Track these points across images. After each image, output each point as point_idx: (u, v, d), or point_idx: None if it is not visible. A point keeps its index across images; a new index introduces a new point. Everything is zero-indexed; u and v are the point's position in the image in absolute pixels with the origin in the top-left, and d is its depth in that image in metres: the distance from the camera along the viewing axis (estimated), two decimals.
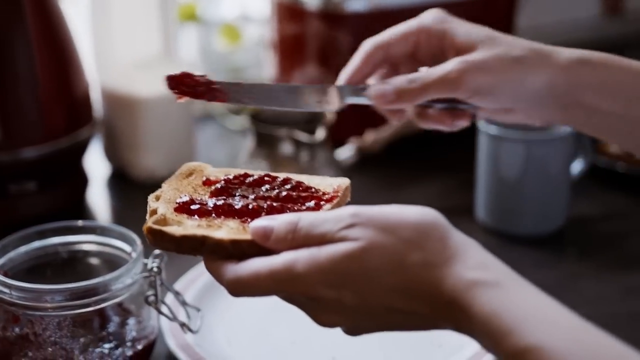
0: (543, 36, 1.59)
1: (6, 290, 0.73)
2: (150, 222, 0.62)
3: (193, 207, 0.63)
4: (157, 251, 0.77)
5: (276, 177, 0.67)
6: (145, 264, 0.77)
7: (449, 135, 1.14)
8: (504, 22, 1.30)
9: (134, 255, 0.77)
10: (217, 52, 1.45)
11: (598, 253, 0.99)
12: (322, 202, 0.64)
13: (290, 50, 1.27)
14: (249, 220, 0.61)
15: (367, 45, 0.80)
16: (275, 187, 0.66)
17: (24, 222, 0.87)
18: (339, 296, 0.57)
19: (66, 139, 1.06)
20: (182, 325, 0.79)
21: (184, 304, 0.81)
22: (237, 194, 0.65)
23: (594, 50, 0.75)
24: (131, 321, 0.78)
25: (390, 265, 0.56)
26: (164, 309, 0.77)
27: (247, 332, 0.85)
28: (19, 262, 0.80)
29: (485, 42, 0.75)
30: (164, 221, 0.62)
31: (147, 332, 0.78)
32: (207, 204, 0.63)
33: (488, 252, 0.57)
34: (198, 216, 0.62)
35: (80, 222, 0.83)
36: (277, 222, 0.59)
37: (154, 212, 0.63)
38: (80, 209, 1.11)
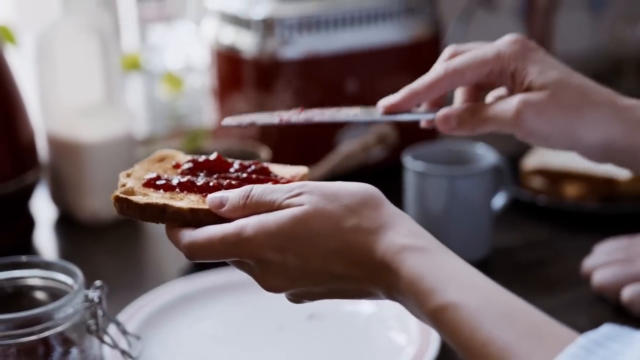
0: None
1: None
2: (118, 191, 0.68)
3: (159, 182, 0.69)
4: (97, 282, 0.81)
5: (240, 162, 0.73)
6: (87, 295, 0.81)
7: (377, 172, 1.20)
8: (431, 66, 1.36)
9: (75, 286, 0.81)
10: (160, 100, 1.50)
11: (521, 279, 1.05)
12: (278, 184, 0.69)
13: (229, 96, 1.33)
14: (208, 194, 0.67)
15: (436, 70, 0.79)
16: (238, 171, 0.71)
17: None
18: (283, 259, 0.61)
19: (12, 183, 1.10)
20: (123, 352, 0.83)
21: (124, 332, 0.85)
22: (202, 174, 0.71)
23: None
24: (74, 350, 0.81)
25: (330, 229, 0.61)
26: (105, 337, 0.81)
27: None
28: None
29: (555, 87, 0.75)
30: (131, 192, 0.68)
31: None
32: (172, 180, 0.69)
33: (417, 224, 0.62)
34: (163, 190, 0.68)
35: (24, 258, 0.87)
36: (232, 192, 0.65)
37: (124, 186, 0.69)
38: (27, 250, 1.15)
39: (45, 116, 1.20)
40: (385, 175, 1.07)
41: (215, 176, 0.71)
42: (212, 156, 0.73)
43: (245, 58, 1.26)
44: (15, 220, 1.14)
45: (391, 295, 0.61)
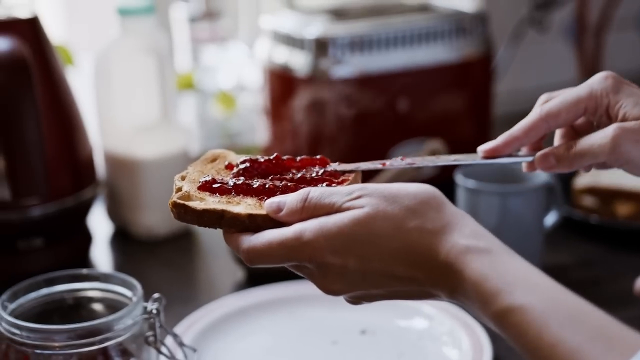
0: (521, 101, 1.68)
1: (17, 331, 0.79)
2: (175, 197, 0.68)
3: (215, 185, 0.69)
4: (156, 295, 0.83)
5: (301, 159, 0.72)
6: (145, 307, 0.83)
7: None
8: (482, 88, 1.38)
9: (134, 299, 0.83)
10: (213, 118, 1.52)
11: None
12: (333, 185, 0.69)
13: (281, 115, 1.35)
14: (265, 198, 0.66)
15: (533, 115, 0.78)
16: (297, 169, 0.71)
17: (32, 276, 0.93)
18: (344, 262, 0.61)
19: (71, 199, 1.13)
20: None
21: (181, 344, 0.86)
22: (257, 176, 0.71)
23: None
24: None
25: (392, 231, 0.61)
26: (162, 348, 0.83)
27: None
28: (28, 308, 0.86)
29: None
30: (187, 197, 0.68)
31: None
32: (227, 183, 0.69)
33: (479, 225, 0.62)
34: (219, 194, 0.68)
35: (84, 270, 0.89)
36: (289, 197, 0.65)
37: (179, 190, 0.69)
38: (84, 264, 1.18)
39: (103, 134, 1.23)
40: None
41: (270, 177, 0.70)
42: (271, 156, 0.72)
43: (298, 77, 1.28)
44: (73, 235, 1.17)
45: (454, 297, 0.61)
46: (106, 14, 1.58)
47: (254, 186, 0.69)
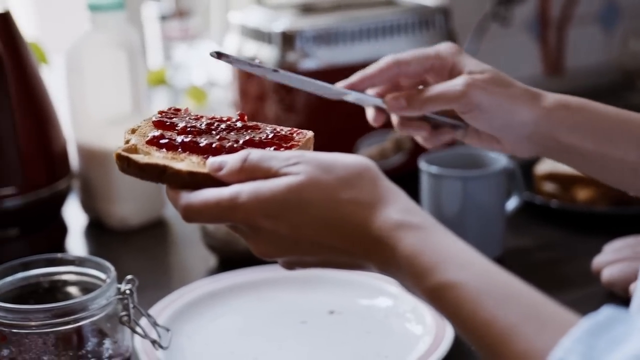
0: None
1: None
2: (120, 149, 0.69)
3: (162, 141, 0.69)
4: (129, 277, 0.86)
5: (246, 123, 0.73)
6: (119, 288, 0.86)
7: (394, 178, 1.24)
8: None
9: (108, 280, 0.86)
10: None
11: (533, 278, 1.06)
12: (281, 150, 0.69)
13: (251, 108, 1.38)
14: (209, 157, 0.67)
15: (386, 59, 0.88)
16: (243, 132, 0.71)
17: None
18: (275, 227, 0.62)
19: (46, 190, 1.15)
20: (154, 342, 0.87)
21: (155, 324, 0.89)
22: (206, 134, 0.71)
23: (575, 97, 0.86)
24: (107, 341, 0.86)
25: (324, 200, 0.62)
26: (137, 328, 0.86)
27: (213, 351, 0.94)
28: (5, 291, 0.88)
29: (493, 72, 0.85)
30: (134, 150, 0.69)
31: (122, 350, 0.87)
32: (175, 139, 0.69)
33: (413, 200, 0.63)
34: (166, 149, 0.69)
35: (59, 255, 0.92)
36: (231, 157, 0.65)
37: (127, 142, 0.70)
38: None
39: (76, 127, 1.26)
40: (402, 181, 1.10)
41: (217, 137, 0.70)
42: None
43: None
44: (48, 226, 1.19)
45: (385, 271, 0.62)
46: (75, 12, 1.61)
47: (201, 145, 0.69)
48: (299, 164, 0.63)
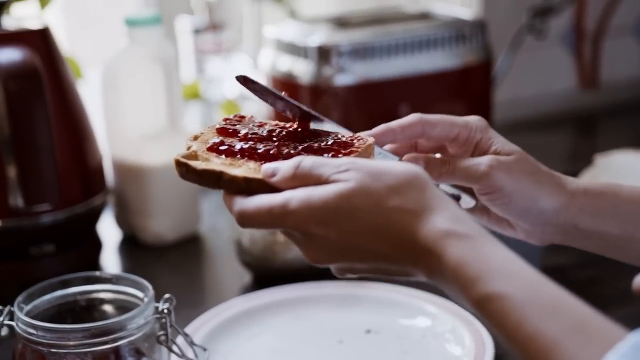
0: (520, 108, 1.70)
1: (33, 331, 0.81)
2: (179, 155, 0.70)
3: (222, 147, 0.71)
4: (166, 295, 0.86)
5: (308, 130, 0.74)
6: (157, 307, 0.86)
7: None
8: (481, 95, 1.40)
9: (146, 299, 0.86)
10: None
11: None
12: (339, 156, 0.69)
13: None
14: (266, 163, 0.68)
15: (412, 116, 0.81)
16: (305, 138, 0.72)
17: (44, 281, 0.95)
18: (326, 233, 0.63)
19: (81, 206, 1.15)
20: None
21: (192, 344, 0.89)
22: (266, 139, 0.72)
23: (595, 181, 0.82)
24: None
25: (373, 207, 0.62)
26: (174, 347, 0.85)
27: None
28: (43, 309, 0.88)
29: (519, 155, 0.79)
30: (194, 157, 0.70)
31: None
32: (234, 145, 0.71)
33: (461, 209, 0.63)
34: (225, 156, 0.70)
35: (97, 273, 0.92)
36: (284, 163, 0.66)
37: (189, 148, 0.71)
38: (94, 270, 1.19)
39: (111, 142, 1.26)
40: None
41: (276, 144, 0.71)
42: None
43: (301, 84, 1.31)
44: (83, 242, 1.19)
45: (432, 278, 0.62)
46: (112, 27, 1.62)
47: (259, 151, 0.70)
48: (349, 170, 0.64)
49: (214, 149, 0.71)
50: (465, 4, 1.62)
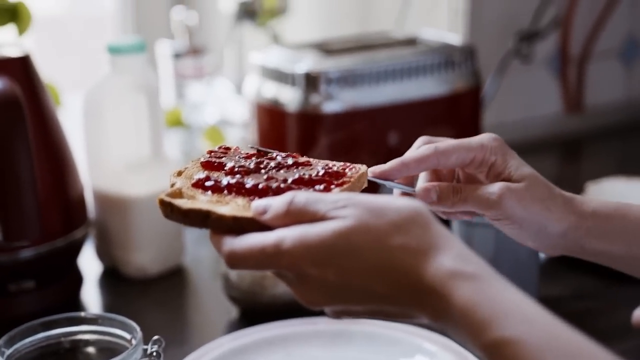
0: (507, 133, 1.68)
1: None
2: (163, 194, 0.66)
3: (208, 183, 0.67)
4: (155, 337, 0.82)
5: (297, 160, 0.71)
6: (145, 349, 0.82)
7: None
8: (470, 119, 1.38)
9: (134, 341, 0.82)
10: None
11: None
12: (332, 187, 0.67)
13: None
14: (256, 198, 0.65)
15: (425, 149, 0.79)
16: (294, 169, 0.70)
17: (23, 319, 0.91)
18: (323, 274, 0.60)
19: (62, 239, 1.11)
20: None
21: None
22: (253, 174, 0.69)
23: (604, 201, 0.82)
24: None
25: (374, 244, 0.59)
26: None
27: None
28: (25, 352, 0.85)
29: (530, 180, 0.79)
30: (179, 194, 0.66)
31: None
32: (221, 181, 0.67)
33: (467, 247, 0.60)
34: (211, 192, 0.66)
35: (82, 313, 0.88)
36: (275, 200, 0.63)
37: (172, 186, 0.68)
38: (75, 306, 1.16)
39: (93, 172, 1.22)
40: None
41: (265, 177, 0.68)
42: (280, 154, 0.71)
43: (288, 112, 1.27)
44: (64, 276, 1.15)
45: (438, 321, 0.59)
46: (91, 53, 1.58)
47: (247, 186, 0.67)
48: (347, 207, 0.61)
49: (199, 185, 0.68)
50: (452, 28, 1.60)
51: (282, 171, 0.70)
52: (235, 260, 0.63)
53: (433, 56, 1.31)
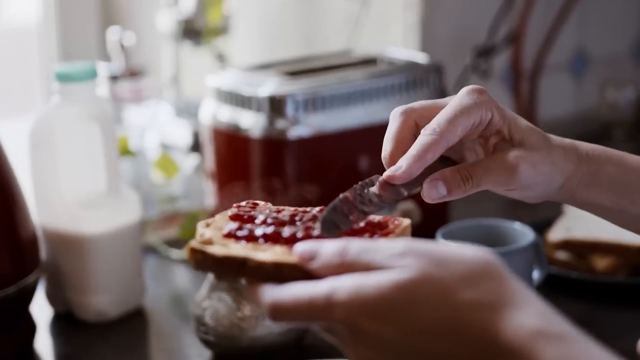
0: None
1: None
2: (194, 242, 0.61)
3: (240, 233, 0.62)
4: None
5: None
6: None
7: None
8: None
9: None
10: (151, 184, 1.43)
11: None
12: (375, 236, 0.63)
13: (230, 177, 1.25)
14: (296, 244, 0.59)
15: (430, 132, 0.70)
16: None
17: None
18: (380, 331, 0.54)
19: (14, 286, 1.02)
20: None
21: None
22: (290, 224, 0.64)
23: (593, 145, 0.78)
24: None
25: (440, 301, 0.53)
26: None
27: None
28: None
29: (532, 137, 0.74)
30: (210, 243, 0.61)
31: None
32: (255, 230, 0.62)
33: (547, 305, 0.55)
34: (245, 241, 0.61)
35: None
36: (324, 245, 0.57)
37: (201, 236, 0.62)
38: (29, 356, 1.06)
39: (43, 210, 1.11)
40: None
41: (303, 226, 0.63)
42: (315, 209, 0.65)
43: (250, 137, 1.19)
44: (15, 325, 1.05)
45: None
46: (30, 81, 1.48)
47: (285, 235, 0.61)
48: (406, 256, 0.54)
49: (231, 235, 0.62)
50: (406, 44, 1.55)
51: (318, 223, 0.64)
52: (280, 312, 0.56)
53: (400, 75, 1.25)
